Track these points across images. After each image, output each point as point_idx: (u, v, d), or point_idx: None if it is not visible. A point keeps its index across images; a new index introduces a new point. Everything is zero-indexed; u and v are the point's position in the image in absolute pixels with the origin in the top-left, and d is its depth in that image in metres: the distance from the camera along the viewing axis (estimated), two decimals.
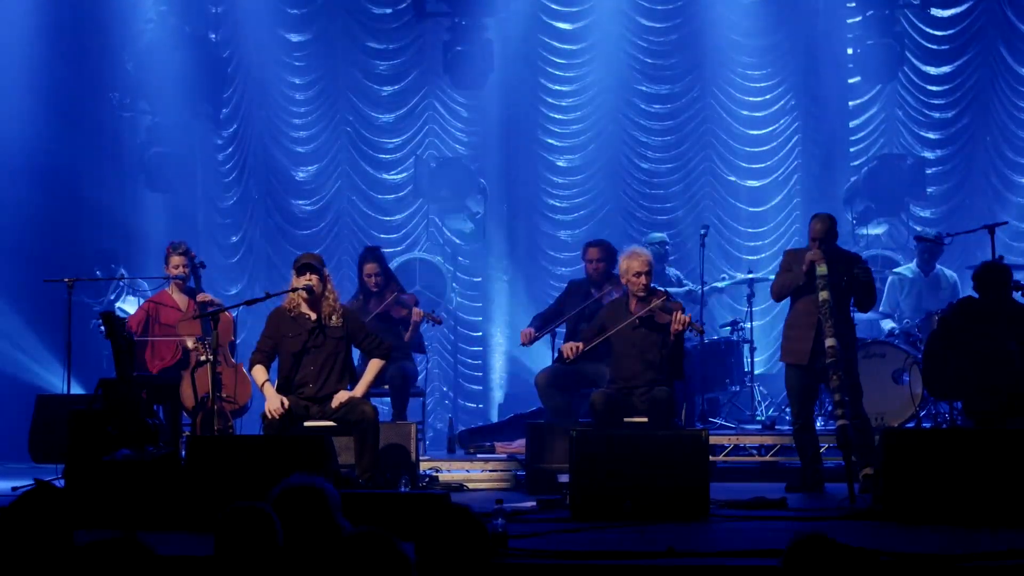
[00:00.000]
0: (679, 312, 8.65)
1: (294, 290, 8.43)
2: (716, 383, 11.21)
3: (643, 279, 8.83)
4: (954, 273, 11.39)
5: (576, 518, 7.44)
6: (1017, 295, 8.87)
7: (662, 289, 9.43)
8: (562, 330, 10.12)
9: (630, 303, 8.96)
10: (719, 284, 12.11)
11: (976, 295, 8.82)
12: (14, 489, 8.18)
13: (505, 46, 13.28)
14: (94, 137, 12.81)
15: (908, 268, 11.46)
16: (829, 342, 8.39)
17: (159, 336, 9.87)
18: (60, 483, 7.86)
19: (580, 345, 8.86)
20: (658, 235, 12.01)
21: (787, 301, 9.09)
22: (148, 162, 13.05)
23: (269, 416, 8.18)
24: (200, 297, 9.84)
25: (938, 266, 11.37)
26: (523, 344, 9.91)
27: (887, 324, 11.16)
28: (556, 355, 10.09)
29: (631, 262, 8.89)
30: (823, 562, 3.61)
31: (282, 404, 8.17)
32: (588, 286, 10.03)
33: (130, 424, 7.99)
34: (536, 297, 13.00)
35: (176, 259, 9.85)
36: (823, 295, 8.46)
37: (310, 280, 8.38)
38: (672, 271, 11.90)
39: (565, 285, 10.72)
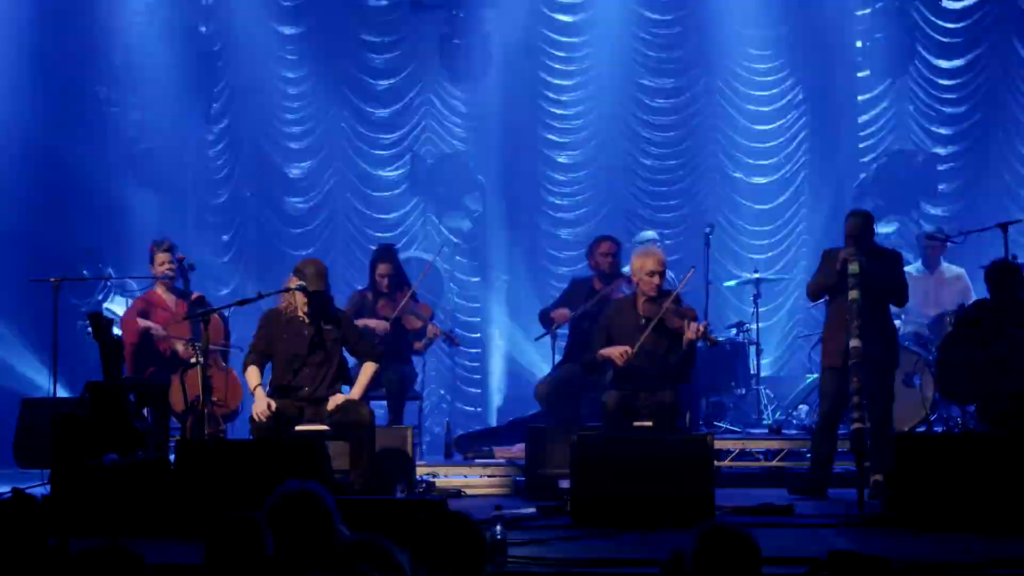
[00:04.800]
0: (692, 321, 8.45)
1: (287, 290, 8.34)
2: (721, 386, 11.13)
3: (656, 279, 8.65)
4: (962, 270, 11.23)
5: (577, 525, 7.37)
6: None
7: (673, 290, 9.18)
8: (564, 331, 9.96)
9: (638, 303, 8.73)
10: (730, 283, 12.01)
11: (989, 295, 8.74)
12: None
13: (504, 39, 13.22)
14: (81, 133, 12.70)
15: (914, 267, 11.34)
16: (853, 343, 8.23)
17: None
18: (46, 489, 7.78)
19: (629, 348, 8.51)
20: (649, 233, 11.80)
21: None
22: (136, 158, 12.99)
23: (256, 419, 8.10)
24: (195, 296, 9.63)
25: (944, 263, 11.25)
26: (559, 324, 9.80)
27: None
28: (559, 359, 9.96)
29: (645, 260, 8.70)
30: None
31: (268, 407, 8.07)
32: (591, 284, 9.80)
33: (118, 428, 7.95)
34: (536, 298, 12.84)
35: (161, 256, 9.70)
36: (852, 294, 8.30)
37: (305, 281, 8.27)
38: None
39: (566, 285, 10.55)
